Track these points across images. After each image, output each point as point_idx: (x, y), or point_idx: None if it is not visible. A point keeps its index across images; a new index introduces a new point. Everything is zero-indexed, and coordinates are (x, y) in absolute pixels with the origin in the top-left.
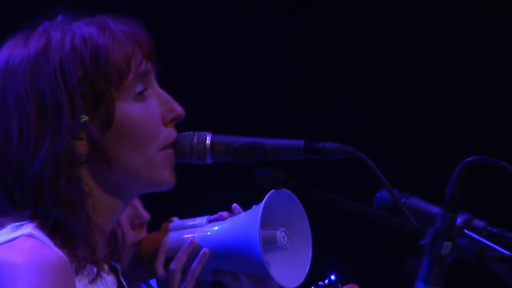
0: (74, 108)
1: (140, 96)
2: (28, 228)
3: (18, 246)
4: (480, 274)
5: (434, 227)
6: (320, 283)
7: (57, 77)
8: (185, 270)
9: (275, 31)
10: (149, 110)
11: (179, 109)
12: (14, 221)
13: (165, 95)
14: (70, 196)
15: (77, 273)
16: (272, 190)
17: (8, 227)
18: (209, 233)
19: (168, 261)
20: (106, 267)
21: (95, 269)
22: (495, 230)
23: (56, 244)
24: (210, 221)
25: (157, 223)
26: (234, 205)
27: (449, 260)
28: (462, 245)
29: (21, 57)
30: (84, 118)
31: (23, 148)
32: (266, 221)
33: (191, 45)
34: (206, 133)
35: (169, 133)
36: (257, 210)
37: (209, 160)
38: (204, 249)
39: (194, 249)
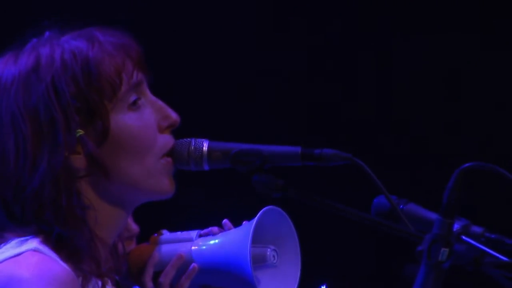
0: (69, 123)
1: (134, 105)
2: (33, 243)
3: (25, 261)
4: (478, 280)
5: (431, 233)
6: None
7: (50, 94)
8: (173, 284)
9: (275, 33)
10: (144, 119)
11: (174, 116)
12: (18, 236)
13: (159, 102)
14: (72, 210)
15: (83, 287)
16: (264, 208)
17: (13, 242)
18: (199, 247)
19: (156, 274)
20: (109, 280)
21: (99, 283)
22: (493, 236)
23: (61, 258)
24: (200, 236)
25: (146, 235)
26: (225, 220)
27: (446, 266)
28: (460, 251)
29: (12, 76)
30: (80, 132)
31: (21, 166)
32: (256, 238)
33: (187, 49)
34: (203, 139)
35: (166, 140)
36: (249, 227)
37: (206, 167)
38: (193, 264)
39: (183, 264)
